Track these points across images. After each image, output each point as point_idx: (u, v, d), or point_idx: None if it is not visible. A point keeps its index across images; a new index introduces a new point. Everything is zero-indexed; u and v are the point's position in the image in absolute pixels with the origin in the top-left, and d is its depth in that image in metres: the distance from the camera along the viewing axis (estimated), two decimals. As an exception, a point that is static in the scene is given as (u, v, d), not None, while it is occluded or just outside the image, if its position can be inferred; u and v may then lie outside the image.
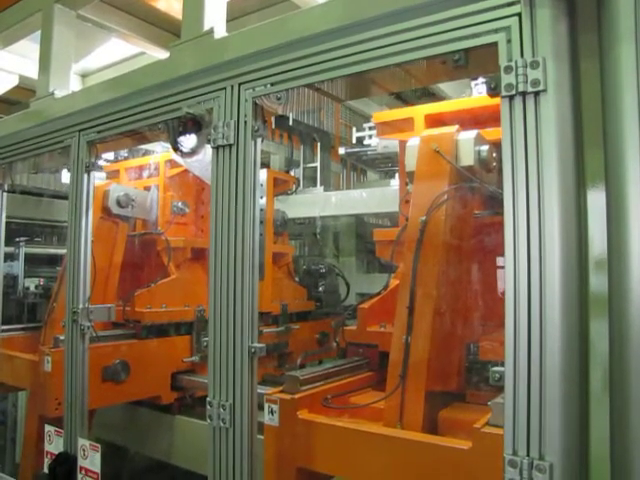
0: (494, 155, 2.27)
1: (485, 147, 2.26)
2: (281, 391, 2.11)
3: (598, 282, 1.42)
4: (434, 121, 2.57)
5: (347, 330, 2.63)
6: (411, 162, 2.35)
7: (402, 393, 2.05)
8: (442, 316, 2.13)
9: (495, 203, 2.24)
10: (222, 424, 1.96)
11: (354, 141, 3.99)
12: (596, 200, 1.44)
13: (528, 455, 1.37)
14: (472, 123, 2.36)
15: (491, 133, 2.32)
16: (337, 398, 2.18)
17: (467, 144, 2.24)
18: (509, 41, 1.47)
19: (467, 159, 2.23)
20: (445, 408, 2.13)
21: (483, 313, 2.34)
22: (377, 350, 2.51)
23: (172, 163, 3.83)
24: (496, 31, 1.50)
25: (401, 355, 2.08)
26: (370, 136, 4.01)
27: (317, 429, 2.00)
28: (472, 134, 2.26)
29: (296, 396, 2.08)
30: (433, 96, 4.38)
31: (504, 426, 1.42)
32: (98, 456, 2.45)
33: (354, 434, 1.94)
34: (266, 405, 2.07)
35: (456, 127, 2.30)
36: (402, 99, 4.43)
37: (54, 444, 2.69)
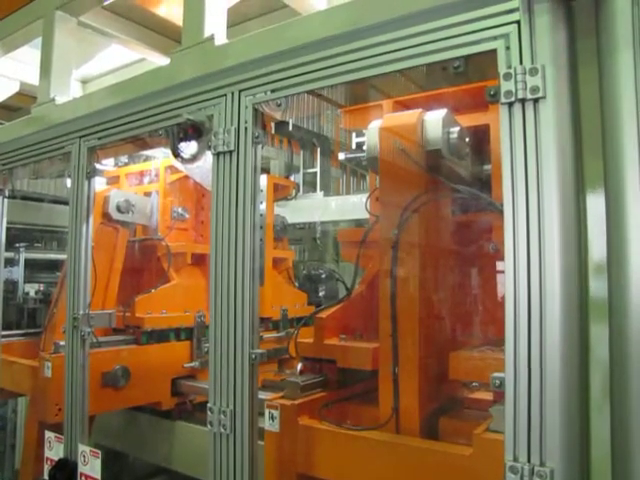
0: (467, 140, 2.11)
1: (456, 129, 2.06)
2: (282, 397, 2.09)
3: (598, 287, 1.43)
4: (404, 107, 2.35)
5: (301, 343, 2.37)
6: (372, 147, 2.14)
7: (395, 400, 2.01)
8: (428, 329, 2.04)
9: (469, 201, 2.14)
10: (223, 430, 1.96)
11: (354, 146, 4.00)
12: (595, 206, 1.44)
13: (529, 461, 1.37)
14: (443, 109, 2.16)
15: (465, 119, 2.17)
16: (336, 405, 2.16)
17: (435, 125, 2.01)
18: (508, 48, 1.48)
19: (435, 142, 2.00)
20: (445, 415, 2.09)
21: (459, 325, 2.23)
22: (335, 366, 2.25)
23: (172, 169, 3.83)
24: (495, 38, 1.51)
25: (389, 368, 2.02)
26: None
27: (318, 435, 2.00)
28: (440, 114, 2.03)
29: (297, 402, 2.08)
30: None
31: (505, 432, 1.42)
32: (98, 462, 2.45)
33: (355, 440, 1.94)
34: (267, 411, 2.06)
35: (420, 110, 2.10)
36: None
37: (54, 450, 2.68)
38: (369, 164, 2.25)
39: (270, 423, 2.05)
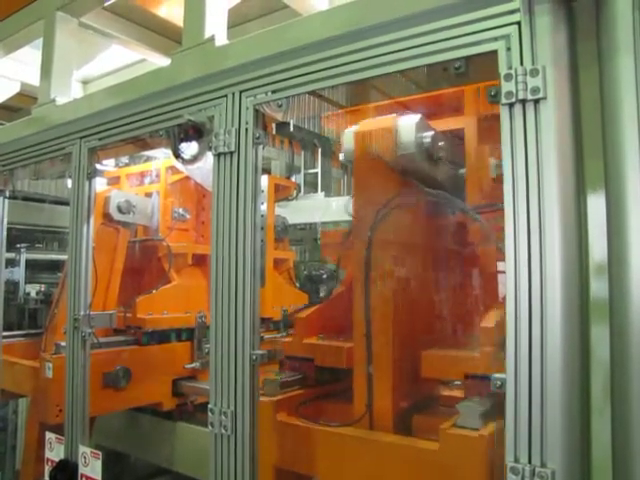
0: (440, 144, 2.11)
1: (429, 133, 2.07)
2: (261, 394, 2.11)
3: (599, 288, 1.43)
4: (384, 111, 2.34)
5: (283, 342, 2.52)
6: (348, 151, 2.19)
7: (369, 398, 2.04)
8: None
9: (444, 203, 2.15)
10: (223, 431, 1.96)
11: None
12: (596, 207, 1.44)
13: (530, 462, 1.37)
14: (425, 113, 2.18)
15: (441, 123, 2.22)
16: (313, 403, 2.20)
17: (408, 130, 2.04)
18: (509, 49, 1.48)
19: (408, 146, 2.02)
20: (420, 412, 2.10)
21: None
22: (313, 365, 2.30)
23: (173, 170, 3.84)
24: (496, 39, 1.51)
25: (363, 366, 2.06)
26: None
27: (294, 431, 2.06)
28: (414, 119, 2.06)
29: (275, 399, 2.14)
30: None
31: (505, 433, 1.42)
32: (99, 463, 2.45)
33: (329, 436, 1.99)
34: None
35: (394, 115, 2.11)
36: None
37: (55, 451, 2.68)
38: (342, 166, 2.27)
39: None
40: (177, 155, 2.29)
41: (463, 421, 1.69)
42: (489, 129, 2.13)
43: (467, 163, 2.29)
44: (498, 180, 1.85)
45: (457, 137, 2.32)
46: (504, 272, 1.45)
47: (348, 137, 2.21)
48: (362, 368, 2.07)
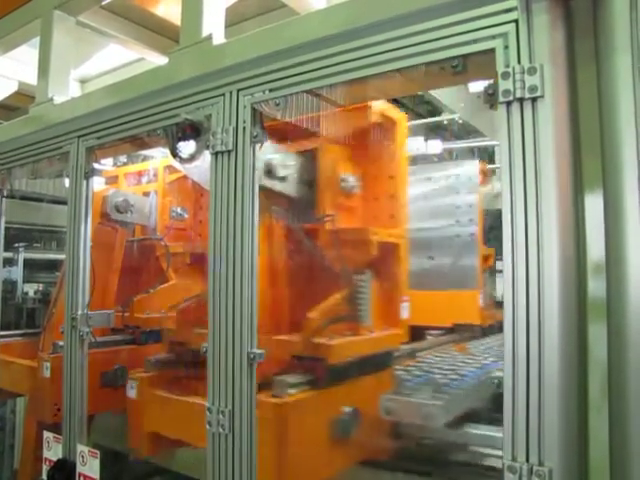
0: (292, 163, 2.59)
1: (275, 156, 2.49)
2: (143, 372, 2.67)
3: (596, 288, 1.43)
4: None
5: (169, 330, 3.04)
6: None
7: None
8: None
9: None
10: (221, 430, 1.96)
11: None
12: (594, 206, 1.44)
13: (527, 461, 1.37)
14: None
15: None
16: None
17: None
18: (506, 47, 1.48)
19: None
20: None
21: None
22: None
23: (171, 169, 3.83)
24: (493, 37, 1.51)
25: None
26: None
27: (161, 401, 2.54)
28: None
29: (148, 375, 2.66)
30: (429, 104, 4.42)
31: (503, 432, 1.42)
32: (97, 462, 2.45)
33: (184, 405, 2.43)
34: (129, 381, 2.70)
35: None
36: (400, 103, 4.44)
37: (53, 450, 2.68)
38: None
39: (131, 392, 2.69)
40: (175, 154, 2.28)
41: (276, 391, 2.10)
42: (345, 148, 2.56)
43: (319, 179, 2.58)
44: (345, 193, 2.47)
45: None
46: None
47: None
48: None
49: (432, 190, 3.54)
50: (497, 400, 2.80)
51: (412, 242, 3.42)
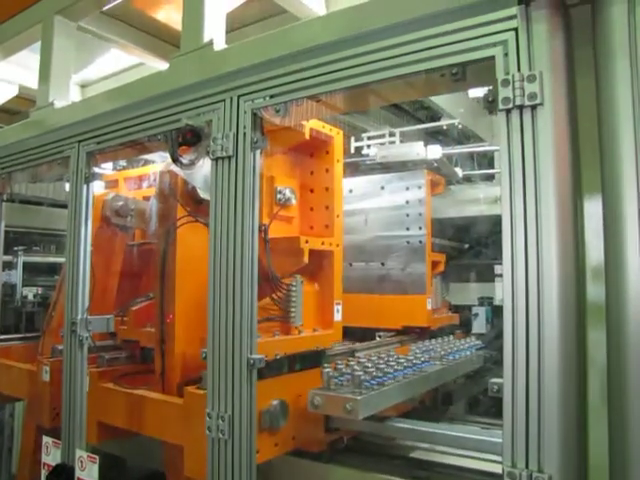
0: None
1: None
2: (95, 367, 2.88)
3: (595, 292, 1.43)
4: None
5: (121, 329, 3.14)
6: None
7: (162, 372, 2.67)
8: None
9: None
10: (221, 435, 1.96)
11: (352, 151, 4.02)
12: (593, 211, 1.45)
13: (527, 467, 1.37)
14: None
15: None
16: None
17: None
18: (506, 55, 1.49)
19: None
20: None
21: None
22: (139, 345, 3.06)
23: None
24: (494, 45, 1.52)
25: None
26: (368, 146, 4.02)
27: (110, 393, 2.76)
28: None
29: (99, 370, 2.87)
30: (428, 109, 4.43)
31: (502, 438, 1.43)
32: (96, 467, 2.44)
33: (133, 397, 2.64)
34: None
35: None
36: (399, 108, 4.46)
37: (52, 455, 2.67)
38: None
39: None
40: (175, 159, 2.29)
41: (203, 384, 2.19)
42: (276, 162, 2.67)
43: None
44: (280, 205, 2.59)
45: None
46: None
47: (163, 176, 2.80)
48: (158, 349, 2.71)
49: (385, 199, 3.74)
50: (430, 396, 3.10)
51: (366, 249, 3.70)
